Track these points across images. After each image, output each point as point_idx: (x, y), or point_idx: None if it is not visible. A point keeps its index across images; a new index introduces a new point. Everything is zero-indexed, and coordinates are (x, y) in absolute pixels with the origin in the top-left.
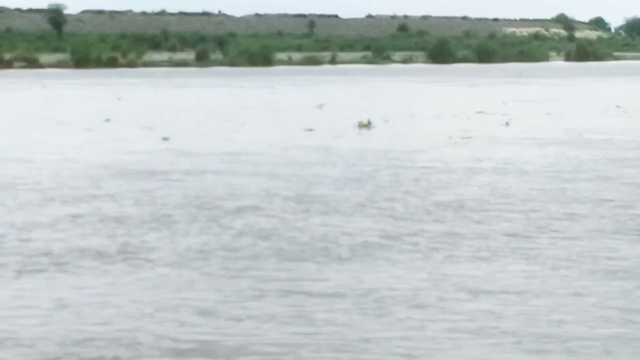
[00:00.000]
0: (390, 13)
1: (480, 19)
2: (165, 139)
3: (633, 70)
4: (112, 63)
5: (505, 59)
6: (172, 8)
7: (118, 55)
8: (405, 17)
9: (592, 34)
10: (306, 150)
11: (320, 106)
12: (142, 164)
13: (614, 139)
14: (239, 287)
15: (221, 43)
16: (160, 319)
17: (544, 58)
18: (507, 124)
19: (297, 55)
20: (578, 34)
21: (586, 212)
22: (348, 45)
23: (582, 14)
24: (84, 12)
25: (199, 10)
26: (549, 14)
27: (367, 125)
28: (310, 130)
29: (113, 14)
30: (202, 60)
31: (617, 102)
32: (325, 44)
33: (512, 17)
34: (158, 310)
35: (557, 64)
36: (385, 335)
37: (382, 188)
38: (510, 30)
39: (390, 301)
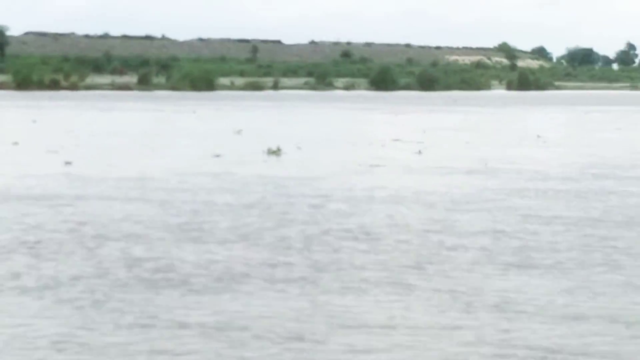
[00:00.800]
0: (333, 39)
1: (423, 47)
2: (67, 163)
3: (570, 100)
4: (54, 85)
5: (447, 87)
6: (115, 31)
7: (60, 77)
8: (348, 43)
9: (534, 63)
10: (207, 177)
11: (239, 132)
12: (33, 189)
13: (522, 169)
14: (98, 316)
15: (164, 67)
16: (10, 348)
17: (486, 87)
18: (419, 152)
19: (239, 80)
20: (520, 63)
21: (471, 244)
22: (290, 70)
23: (524, 43)
24: (27, 33)
25: (142, 33)
26: (492, 42)
27: (276, 151)
28: (218, 156)
29: (56, 36)
30: (144, 84)
31: (539, 132)
32: (268, 70)
33: (455, 45)
34: (10, 338)
35: (498, 92)
36: None
37: (274, 216)
38: (452, 58)
39: (251, 333)
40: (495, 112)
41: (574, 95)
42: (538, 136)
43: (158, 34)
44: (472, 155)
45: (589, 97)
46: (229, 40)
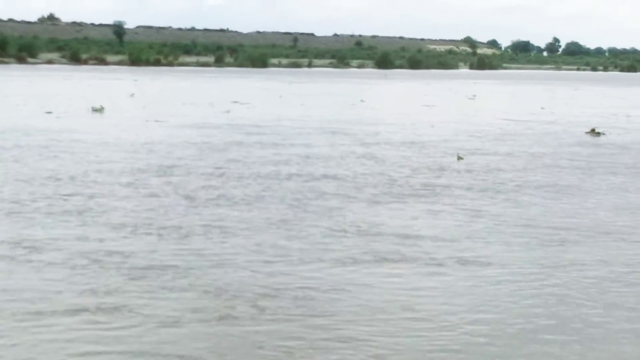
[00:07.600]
0: (350, 33)
1: (412, 39)
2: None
3: (497, 76)
4: (156, 63)
5: (428, 67)
6: (199, 26)
7: (161, 57)
8: (360, 36)
9: (489, 51)
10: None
11: (132, 95)
12: None
13: (307, 121)
14: None
15: (233, 51)
16: None
17: (455, 67)
18: (228, 111)
19: (284, 61)
20: (479, 51)
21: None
22: (320, 54)
23: (482, 37)
24: (138, 27)
25: (218, 27)
26: (459, 36)
27: (99, 109)
28: (49, 112)
29: (158, 28)
30: (219, 62)
31: (369, 97)
32: (304, 53)
33: (434, 38)
34: None
35: (463, 71)
36: None
37: (26, 151)
38: (432, 47)
39: None
40: (391, 84)
41: (509, 73)
42: (362, 100)
43: (228, 28)
44: (301, 112)
45: (520, 75)
46: (277, 33)
